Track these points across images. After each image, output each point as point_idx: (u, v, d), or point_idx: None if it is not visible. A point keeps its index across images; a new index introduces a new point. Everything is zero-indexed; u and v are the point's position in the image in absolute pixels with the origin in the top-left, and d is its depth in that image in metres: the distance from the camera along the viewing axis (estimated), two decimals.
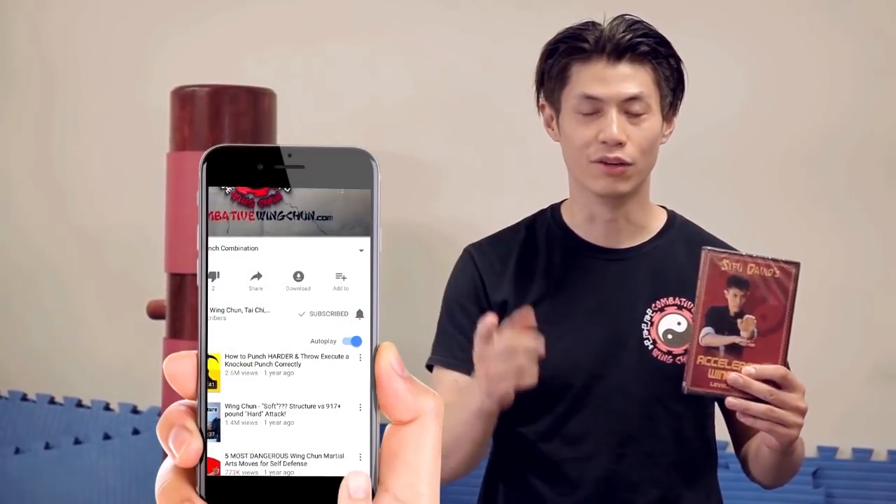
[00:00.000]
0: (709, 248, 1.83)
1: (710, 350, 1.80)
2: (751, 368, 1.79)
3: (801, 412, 1.81)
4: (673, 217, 2.13)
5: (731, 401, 1.80)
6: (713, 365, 1.80)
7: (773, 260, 1.81)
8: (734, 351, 1.80)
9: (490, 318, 1.81)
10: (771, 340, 1.80)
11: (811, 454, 3.31)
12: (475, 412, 1.89)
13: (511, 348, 1.79)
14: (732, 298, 1.80)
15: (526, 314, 1.83)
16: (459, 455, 1.95)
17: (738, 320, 1.80)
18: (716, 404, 2.06)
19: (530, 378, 1.80)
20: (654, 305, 2.02)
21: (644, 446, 2.00)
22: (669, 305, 2.02)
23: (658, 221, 2.10)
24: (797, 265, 1.81)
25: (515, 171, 3.45)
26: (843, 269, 3.35)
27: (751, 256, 1.81)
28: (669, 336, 2.00)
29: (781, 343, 1.80)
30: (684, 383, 1.82)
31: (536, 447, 2.04)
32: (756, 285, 1.80)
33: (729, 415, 2.10)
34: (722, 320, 1.80)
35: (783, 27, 3.41)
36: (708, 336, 1.80)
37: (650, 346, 2.00)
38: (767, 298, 1.80)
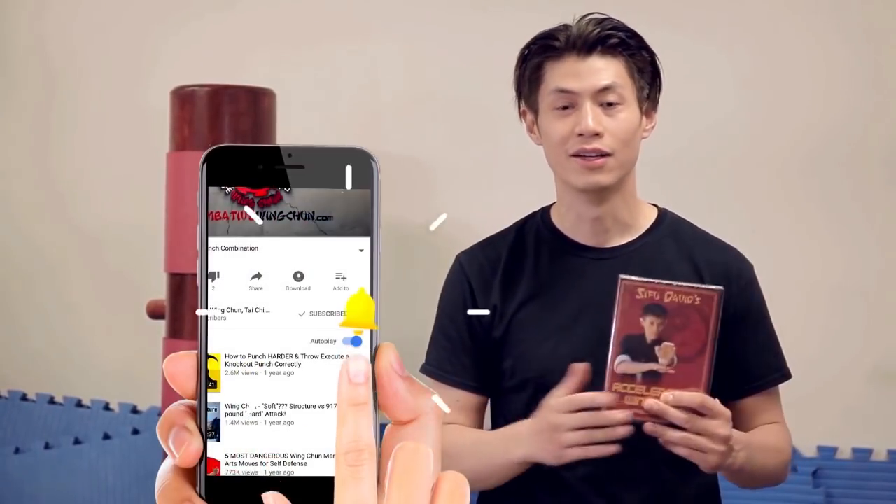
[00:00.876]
0: (623, 276, 1.83)
1: (627, 377, 1.80)
2: (669, 395, 1.78)
3: (722, 439, 1.80)
4: (663, 215, 2.12)
5: (648, 427, 1.80)
6: (630, 392, 1.80)
7: (694, 287, 1.81)
8: (653, 377, 1.79)
9: (585, 396, 1.83)
10: (692, 367, 1.79)
11: (811, 454, 3.31)
12: (518, 463, 1.93)
13: (585, 422, 1.81)
14: (649, 326, 1.79)
15: (581, 370, 1.84)
16: (486, 485, 2.02)
17: (656, 347, 1.79)
18: None
19: (604, 451, 1.82)
20: None
21: (632, 443, 2.00)
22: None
23: (647, 219, 2.10)
24: (719, 292, 1.80)
25: (515, 171, 3.44)
26: (842, 269, 3.35)
27: (669, 284, 1.81)
28: None
29: (704, 370, 1.79)
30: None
31: None
32: (674, 313, 1.79)
33: None
34: (639, 347, 1.79)
35: (781, 28, 3.41)
36: (623, 363, 1.80)
37: None
38: (687, 325, 1.79)
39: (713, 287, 1.81)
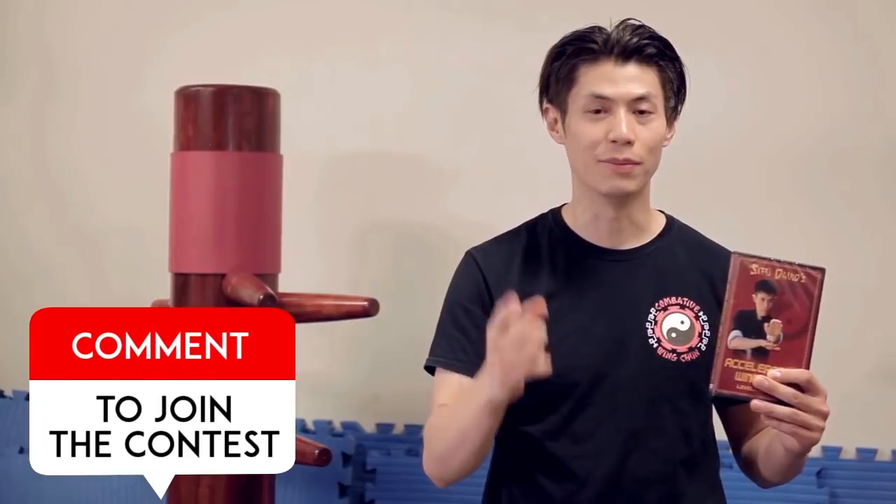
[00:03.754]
0: (738, 252, 1.84)
1: (738, 353, 1.81)
2: (776, 372, 1.80)
3: (824, 416, 1.84)
4: (672, 221, 2.16)
5: (756, 403, 1.80)
6: (740, 368, 1.81)
7: (800, 265, 1.83)
8: (760, 354, 1.81)
9: (513, 306, 1.82)
10: (796, 344, 1.82)
11: (815, 454, 3.31)
12: (483, 406, 1.90)
13: (524, 337, 1.80)
14: (760, 302, 1.81)
15: (537, 303, 1.84)
16: (463, 453, 1.97)
17: (766, 324, 1.81)
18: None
19: (543, 368, 1.82)
20: (657, 305, 2.04)
21: (651, 443, 2.02)
22: (672, 305, 2.04)
23: (658, 224, 2.13)
24: (822, 271, 1.84)
25: (518, 172, 3.45)
26: (851, 271, 3.35)
27: (778, 261, 1.83)
28: (673, 334, 2.02)
29: (806, 347, 1.82)
30: (711, 385, 1.82)
31: (543, 445, 2.05)
32: (783, 290, 1.82)
33: (727, 415, 2.12)
34: (750, 324, 1.81)
35: (773, 31, 3.42)
36: (736, 339, 1.81)
37: (655, 345, 2.01)
38: (793, 303, 1.82)
39: (817, 266, 1.84)
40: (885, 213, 3.36)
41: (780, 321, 1.81)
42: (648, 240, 2.10)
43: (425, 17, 3.62)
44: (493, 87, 3.47)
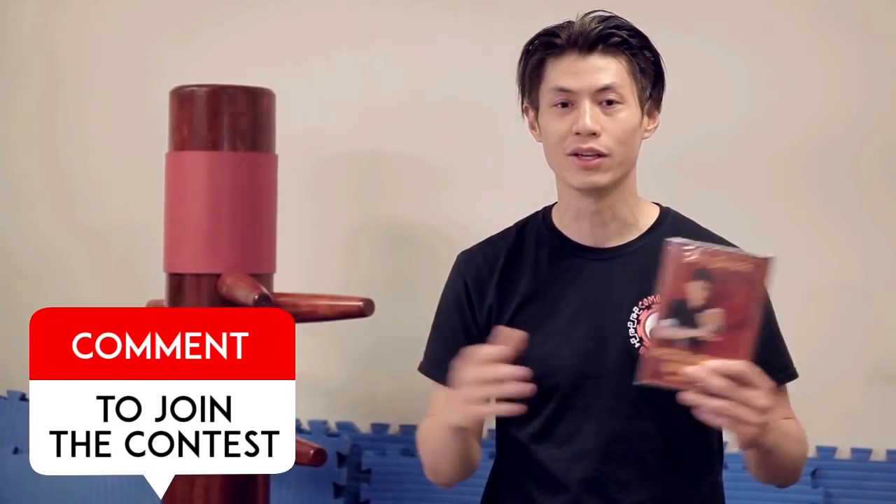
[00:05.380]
0: (672, 239, 1.76)
1: (669, 342, 1.73)
2: (712, 363, 1.72)
3: (761, 409, 1.74)
4: (666, 213, 2.12)
5: (683, 396, 1.73)
6: (670, 358, 1.73)
7: (745, 254, 1.74)
8: (695, 345, 1.73)
9: (487, 349, 1.83)
10: (738, 336, 1.72)
11: (810, 454, 3.30)
12: (446, 429, 1.95)
13: (487, 377, 1.81)
14: (696, 291, 1.73)
15: (508, 334, 1.84)
16: (445, 469, 2.04)
17: (700, 314, 1.73)
18: None
19: (493, 408, 1.84)
20: (641, 303, 2.01)
21: (632, 445, 1.99)
22: (657, 303, 2.00)
23: (649, 218, 2.09)
24: (769, 260, 1.73)
25: (515, 172, 3.44)
26: (842, 270, 3.35)
27: (719, 249, 1.74)
28: None
29: (749, 339, 1.72)
30: (637, 374, 1.77)
31: (528, 449, 2.04)
32: (723, 279, 1.72)
33: None
34: (683, 313, 1.73)
35: (788, 27, 3.41)
36: (668, 328, 1.74)
37: (637, 345, 1.99)
38: (735, 293, 1.72)
39: (763, 256, 1.74)
40: (895, 212, 3.35)
41: (718, 311, 1.72)
42: (636, 236, 2.07)
43: (419, 18, 3.62)
44: (488, 87, 3.46)
